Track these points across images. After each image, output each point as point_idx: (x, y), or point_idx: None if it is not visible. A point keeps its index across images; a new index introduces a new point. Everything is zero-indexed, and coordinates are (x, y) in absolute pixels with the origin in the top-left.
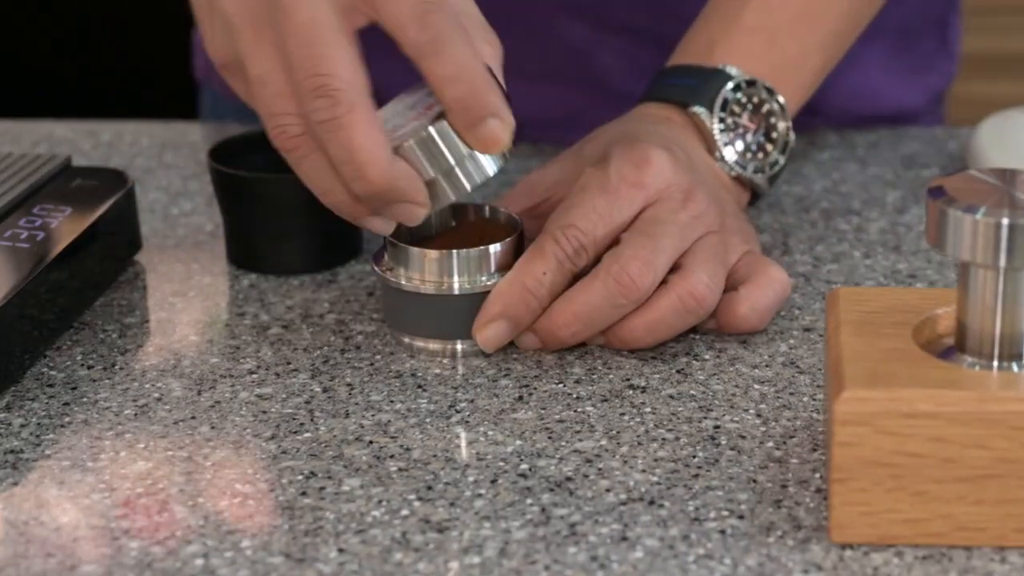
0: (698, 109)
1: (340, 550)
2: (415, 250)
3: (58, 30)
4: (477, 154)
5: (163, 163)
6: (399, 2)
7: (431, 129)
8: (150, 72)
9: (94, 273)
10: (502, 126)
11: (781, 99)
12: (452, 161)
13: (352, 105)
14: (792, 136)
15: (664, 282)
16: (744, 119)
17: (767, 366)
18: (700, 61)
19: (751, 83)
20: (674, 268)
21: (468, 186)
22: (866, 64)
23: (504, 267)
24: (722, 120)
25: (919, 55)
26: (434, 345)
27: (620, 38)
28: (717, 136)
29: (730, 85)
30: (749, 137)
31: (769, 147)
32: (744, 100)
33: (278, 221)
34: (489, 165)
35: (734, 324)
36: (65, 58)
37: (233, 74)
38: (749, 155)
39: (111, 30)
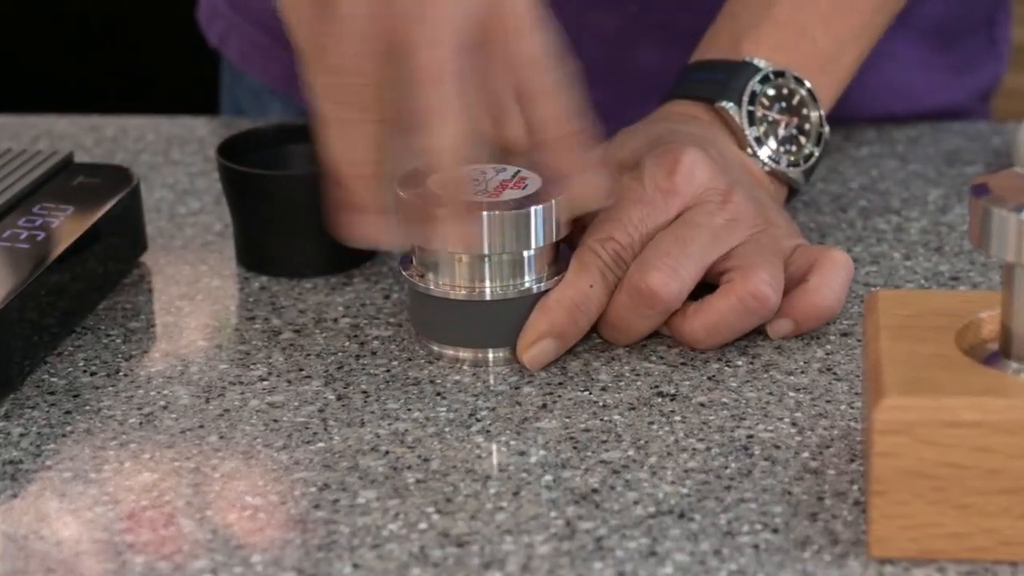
0: (725, 104)
1: (355, 565)
2: (446, 254)
3: (58, 21)
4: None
5: (169, 160)
6: (536, 40)
7: (531, 210)
8: (155, 65)
9: (97, 275)
10: (604, 177)
11: (808, 84)
12: (488, 248)
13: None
14: (826, 128)
15: (727, 281)
16: (774, 112)
17: (802, 372)
18: (726, 55)
19: (779, 74)
20: (733, 268)
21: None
22: (908, 63)
23: (538, 271)
24: (751, 114)
25: (963, 54)
26: (465, 353)
27: (656, 35)
28: (747, 131)
29: (758, 77)
30: (781, 131)
31: (802, 139)
32: (773, 93)
33: (290, 220)
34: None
35: (815, 314)
36: (66, 51)
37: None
38: (782, 149)
39: (113, 21)
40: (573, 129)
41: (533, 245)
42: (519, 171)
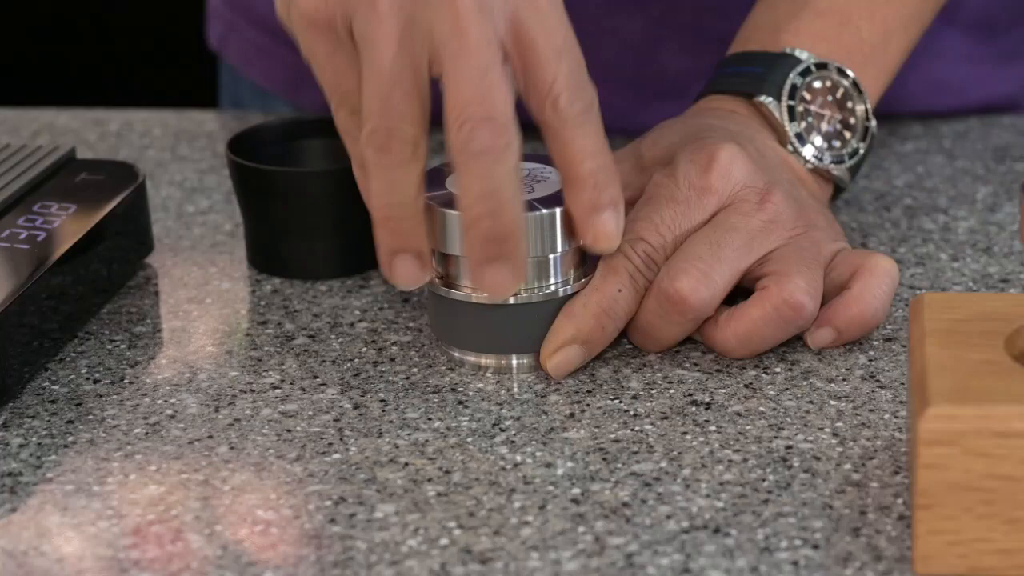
0: (765, 99)
1: None
2: (466, 257)
3: (60, 11)
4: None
5: (177, 155)
6: (560, 65)
7: (556, 211)
8: (162, 56)
9: (101, 277)
10: (616, 222)
11: (852, 75)
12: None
13: (511, 144)
14: (873, 122)
15: (762, 288)
16: (816, 106)
17: (844, 380)
18: (764, 46)
19: (822, 66)
20: (768, 273)
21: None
22: (950, 56)
23: (565, 274)
24: (791, 109)
25: (1007, 42)
26: (487, 360)
27: (681, 38)
28: (787, 127)
29: (798, 69)
30: (824, 126)
31: (847, 134)
32: (817, 85)
33: (305, 220)
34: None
35: (857, 324)
36: (69, 42)
37: (322, 35)
38: (826, 145)
39: (118, 11)
40: (595, 166)
41: (559, 247)
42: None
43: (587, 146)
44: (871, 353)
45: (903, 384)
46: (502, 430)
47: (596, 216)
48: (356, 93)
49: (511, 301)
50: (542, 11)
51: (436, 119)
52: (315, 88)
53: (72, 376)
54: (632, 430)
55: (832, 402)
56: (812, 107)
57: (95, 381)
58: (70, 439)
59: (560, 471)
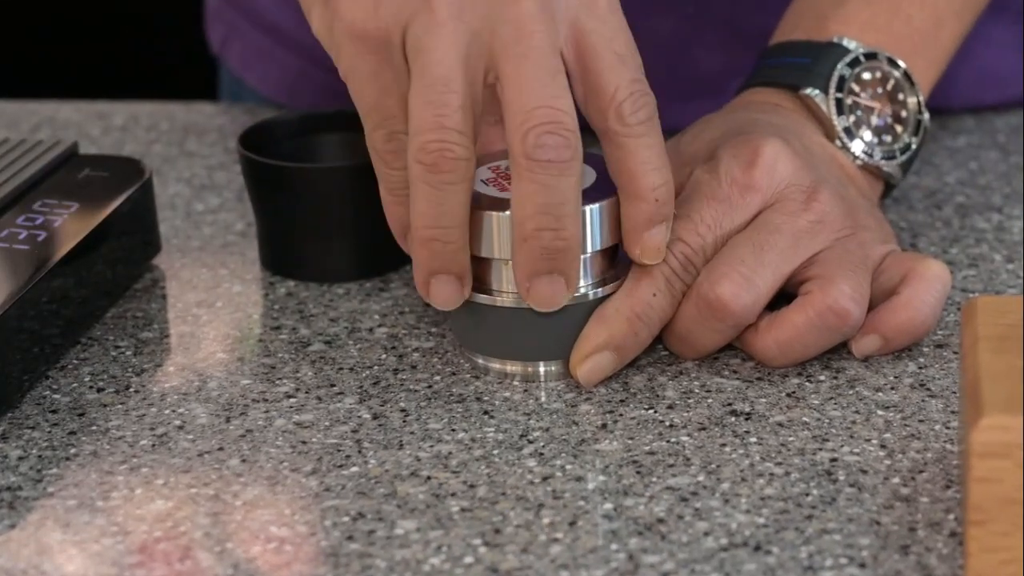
0: (811, 91)
1: None
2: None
3: (61, 2)
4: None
5: (185, 151)
6: (624, 72)
7: (587, 209)
8: (168, 46)
9: (105, 280)
10: (665, 236)
11: (904, 65)
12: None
13: (577, 154)
14: (925, 114)
15: (805, 292)
16: (865, 98)
17: (892, 389)
18: (810, 36)
19: (871, 56)
20: (812, 277)
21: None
22: (997, 45)
23: (596, 276)
24: (839, 102)
25: None
26: (514, 367)
27: (717, 33)
28: (835, 121)
29: (846, 60)
30: (874, 120)
31: (899, 128)
32: (867, 77)
33: (321, 218)
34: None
35: (905, 331)
36: (71, 31)
37: (371, 50)
38: (876, 140)
39: (119, 2)
40: (658, 181)
41: (590, 248)
42: None
43: (651, 159)
44: (921, 360)
45: (955, 393)
46: (530, 441)
47: (652, 230)
48: (397, 115)
49: None
50: (602, 16)
51: None
52: (313, 94)
53: (74, 384)
54: (668, 442)
55: (879, 412)
56: (861, 100)
57: (99, 390)
58: (72, 451)
59: (591, 485)
